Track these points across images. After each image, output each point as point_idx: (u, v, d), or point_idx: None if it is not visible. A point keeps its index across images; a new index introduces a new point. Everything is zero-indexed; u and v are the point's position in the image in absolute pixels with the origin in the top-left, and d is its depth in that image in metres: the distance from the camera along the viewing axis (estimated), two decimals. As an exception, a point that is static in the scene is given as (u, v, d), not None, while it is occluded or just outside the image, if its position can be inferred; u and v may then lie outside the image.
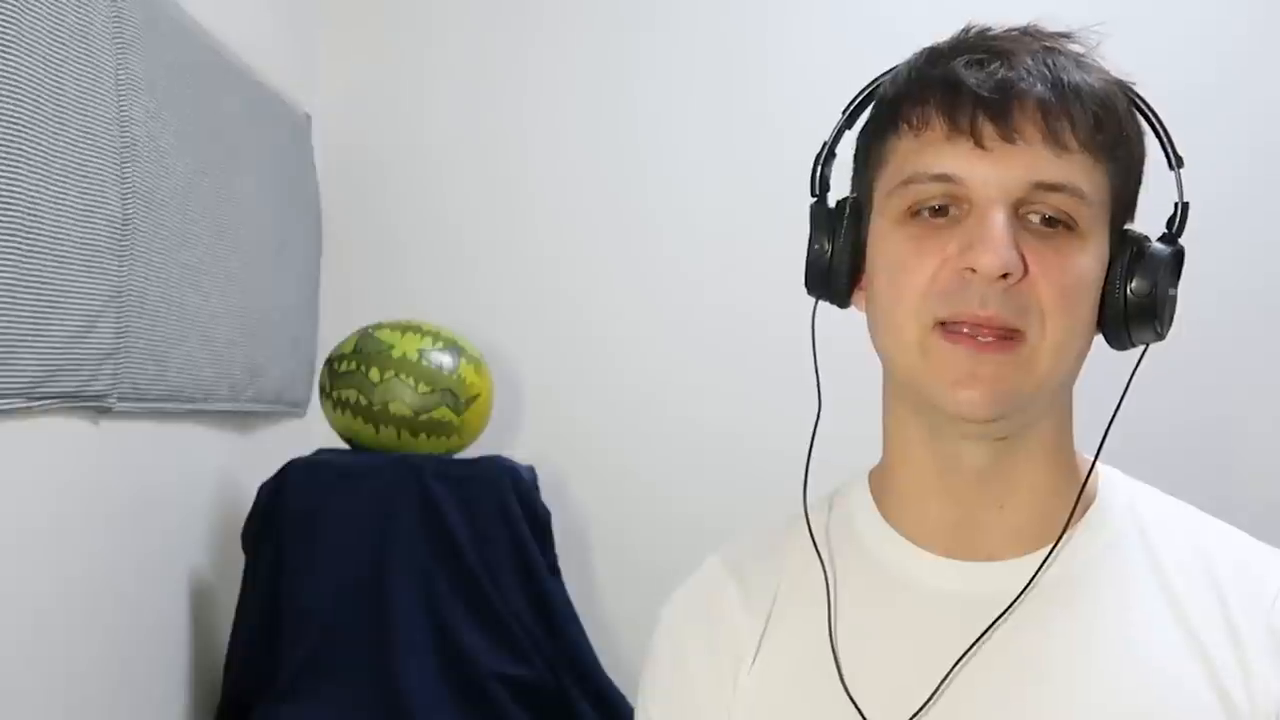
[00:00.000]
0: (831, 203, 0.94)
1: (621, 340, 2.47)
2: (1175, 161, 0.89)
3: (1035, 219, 0.84)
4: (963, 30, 0.89)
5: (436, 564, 1.93)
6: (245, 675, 1.91)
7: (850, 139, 0.94)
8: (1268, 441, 2.39)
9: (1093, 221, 0.85)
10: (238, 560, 1.96)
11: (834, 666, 0.89)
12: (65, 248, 1.42)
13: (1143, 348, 0.89)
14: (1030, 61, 0.84)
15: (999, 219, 0.82)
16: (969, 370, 0.83)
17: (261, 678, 1.89)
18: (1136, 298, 0.87)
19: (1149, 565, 0.89)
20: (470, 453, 2.10)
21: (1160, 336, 0.89)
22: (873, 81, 0.93)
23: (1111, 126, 0.85)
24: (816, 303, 0.95)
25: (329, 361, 2.07)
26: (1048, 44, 0.87)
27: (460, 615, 1.92)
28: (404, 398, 1.99)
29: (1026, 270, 0.83)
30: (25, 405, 1.38)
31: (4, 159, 1.29)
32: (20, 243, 1.33)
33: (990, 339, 0.83)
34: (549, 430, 2.45)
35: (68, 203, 1.42)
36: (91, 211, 1.49)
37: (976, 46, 0.86)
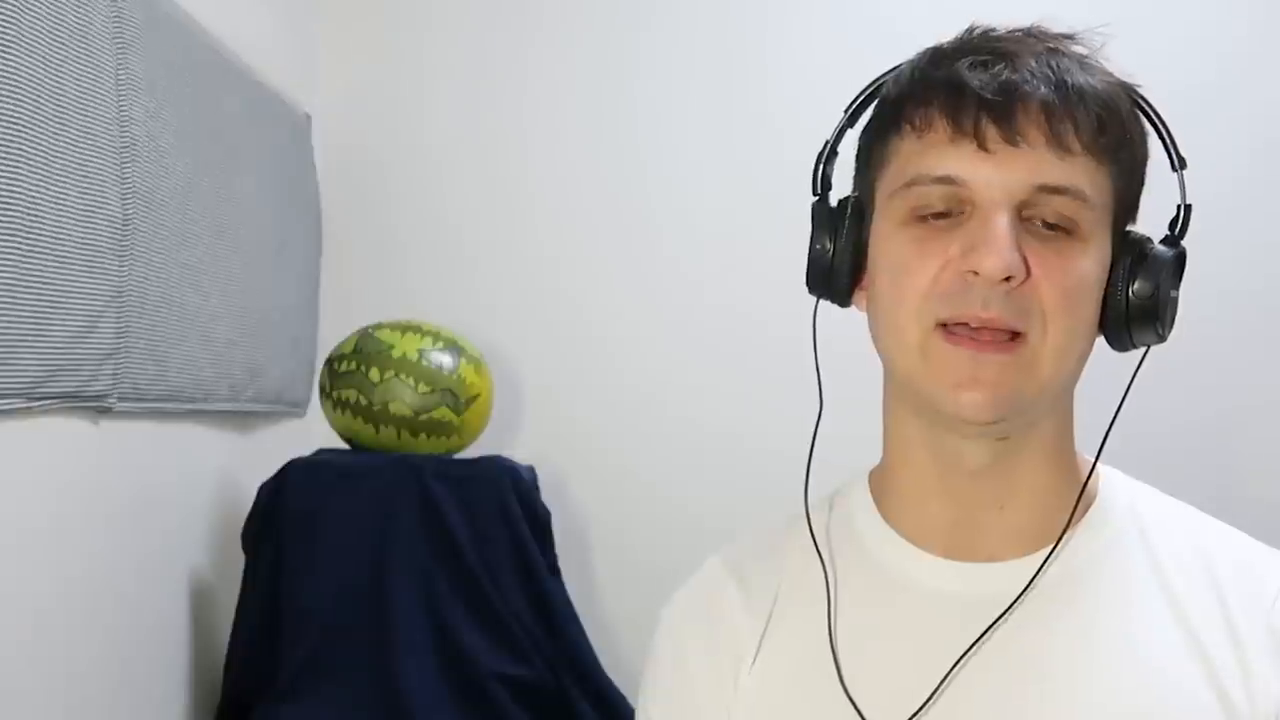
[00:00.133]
0: (833, 202, 0.94)
1: (621, 340, 2.47)
2: (1178, 163, 0.89)
3: (1038, 221, 0.84)
4: (966, 31, 0.89)
5: (436, 564, 1.92)
6: (245, 675, 1.91)
7: (851, 138, 0.94)
8: (1268, 441, 2.39)
9: (1095, 224, 0.85)
10: (238, 560, 1.96)
11: (834, 667, 0.89)
12: (65, 248, 1.42)
13: (1144, 349, 0.89)
14: (1034, 63, 0.84)
15: (1002, 221, 0.82)
16: (970, 373, 0.83)
17: (261, 678, 1.89)
18: (1138, 300, 0.87)
19: (1149, 565, 0.89)
20: (470, 453, 2.10)
21: (1162, 338, 0.89)
22: (876, 80, 0.92)
23: (1115, 129, 0.85)
24: (818, 302, 0.95)
25: (329, 361, 2.07)
26: (1051, 45, 0.86)
27: (460, 615, 1.92)
28: (404, 398, 1.99)
29: (1029, 273, 0.83)
30: (25, 405, 1.38)
31: (4, 159, 1.29)
32: (21, 243, 1.33)
33: (991, 338, 0.83)
34: (549, 430, 2.45)
35: (68, 203, 1.42)
36: (91, 211, 1.48)
37: (980, 48, 0.86)
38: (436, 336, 2.05)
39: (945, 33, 0.90)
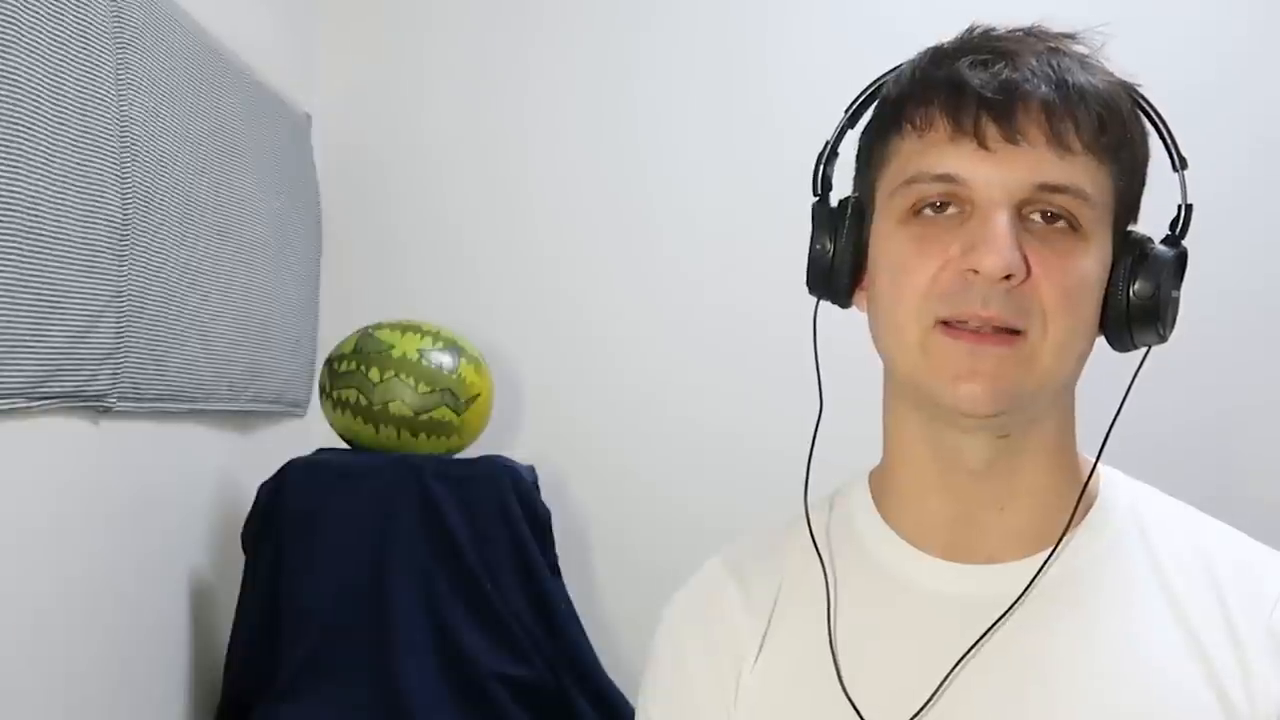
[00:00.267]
0: (833, 202, 0.94)
1: (621, 340, 2.47)
2: (1179, 163, 0.89)
3: (1038, 220, 0.84)
4: (967, 30, 0.89)
5: (436, 564, 1.92)
6: (245, 675, 1.91)
7: (852, 138, 0.94)
8: (1268, 441, 2.39)
9: (1096, 223, 0.85)
10: (238, 560, 1.96)
11: (833, 668, 0.89)
12: (65, 248, 1.43)
13: (1145, 350, 0.89)
14: (1034, 62, 0.84)
15: (1002, 220, 0.82)
16: (969, 365, 0.83)
17: (261, 678, 1.89)
18: (1139, 300, 0.87)
19: (1150, 566, 0.89)
20: (470, 453, 2.10)
21: (1162, 339, 0.89)
22: (876, 80, 0.92)
23: (1115, 128, 0.85)
24: (818, 302, 0.95)
25: (329, 361, 2.07)
26: (1052, 45, 0.86)
27: (460, 615, 1.92)
28: (404, 397, 1.99)
29: (1029, 272, 0.82)
30: (25, 405, 1.38)
31: (4, 159, 1.29)
32: (21, 243, 1.33)
33: (990, 331, 0.83)
34: (549, 430, 2.45)
35: (68, 203, 1.42)
36: (91, 212, 1.49)
37: (981, 47, 0.86)
38: (436, 336, 2.05)
39: (945, 33, 0.90)
